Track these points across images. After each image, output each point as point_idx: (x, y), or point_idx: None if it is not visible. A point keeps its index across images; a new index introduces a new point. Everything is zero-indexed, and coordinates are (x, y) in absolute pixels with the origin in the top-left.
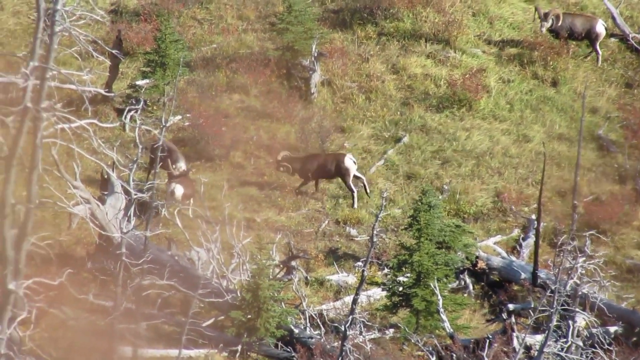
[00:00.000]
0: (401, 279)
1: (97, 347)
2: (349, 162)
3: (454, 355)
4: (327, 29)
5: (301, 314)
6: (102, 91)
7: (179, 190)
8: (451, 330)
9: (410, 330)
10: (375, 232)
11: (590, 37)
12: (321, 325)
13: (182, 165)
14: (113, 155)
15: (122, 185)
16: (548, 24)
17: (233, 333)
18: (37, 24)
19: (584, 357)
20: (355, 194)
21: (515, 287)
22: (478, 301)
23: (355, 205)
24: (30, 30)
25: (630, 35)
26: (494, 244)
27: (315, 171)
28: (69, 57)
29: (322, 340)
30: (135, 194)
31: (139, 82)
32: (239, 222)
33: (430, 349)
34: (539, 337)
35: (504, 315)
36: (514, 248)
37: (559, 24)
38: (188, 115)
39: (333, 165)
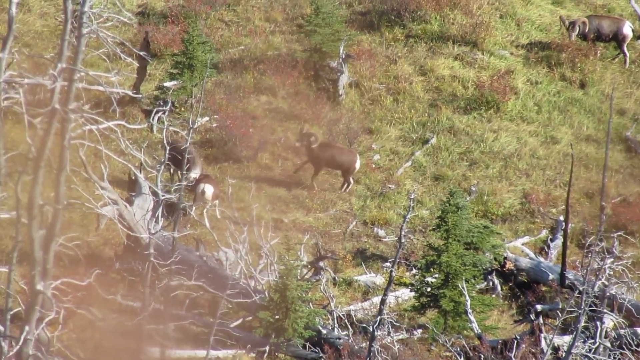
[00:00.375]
0: (429, 279)
1: (125, 347)
2: (359, 163)
3: (482, 356)
4: (354, 30)
5: (329, 315)
6: (130, 93)
7: (209, 189)
8: (479, 331)
9: (438, 331)
10: (403, 233)
11: (617, 39)
12: (349, 326)
13: (193, 175)
14: (140, 156)
15: (149, 186)
16: (575, 32)
17: (261, 334)
18: (65, 26)
19: (612, 358)
20: (351, 185)
21: (543, 288)
22: (506, 302)
23: (347, 189)
24: (57, 32)
25: None
26: (522, 245)
27: (328, 160)
28: (97, 58)
29: (350, 340)
30: (163, 195)
31: (167, 84)
32: (266, 222)
33: (458, 349)
34: (567, 338)
35: (532, 316)
36: (542, 249)
37: (586, 29)
38: (216, 116)
39: (347, 160)
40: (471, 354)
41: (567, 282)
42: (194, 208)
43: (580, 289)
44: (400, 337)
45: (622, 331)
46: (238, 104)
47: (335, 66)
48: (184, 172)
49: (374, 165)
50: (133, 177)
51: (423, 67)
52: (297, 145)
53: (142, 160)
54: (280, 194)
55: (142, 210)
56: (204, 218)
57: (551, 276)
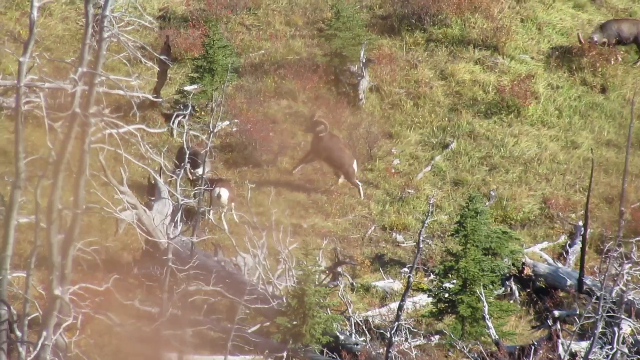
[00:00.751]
0: (447, 285)
1: (143, 353)
2: (356, 166)
3: None
4: (375, 35)
5: (347, 320)
6: (150, 97)
7: (224, 193)
8: (497, 336)
9: (455, 337)
10: (421, 238)
11: (637, 41)
12: (367, 332)
13: (199, 172)
14: (160, 160)
15: (169, 191)
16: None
17: (279, 339)
18: (86, 30)
19: None
20: (341, 181)
21: (561, 294)
22: (524, 308)
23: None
24: (78, 36)
25: None
26: (541, 250)
27: (331, 152)
28: (118, 62)
29: (367, 346)
30: (182, 200)
31: (187, 88)
32: (285, 227)
33: (476, 355)
34: (585, 344)
35: (550, 322)
36: (560, 254)
37: (604, 37)
38: (236, 120)
39: (347, 160)
40: None
41: (585, 287)
42: (211, 212)
43: (598, 294)
44: (417, 343)
45: (639, 337)
46: (258, 108)
47: (355, 70)
48: (191, 170)
49: (393, 170)
50: (152, 182)
51: (443, 72)
52: (306, 132)
53: (162, 165)
54: (300, 198)
55: (161, 214)
56: (222, 222)
57: (569, 282)
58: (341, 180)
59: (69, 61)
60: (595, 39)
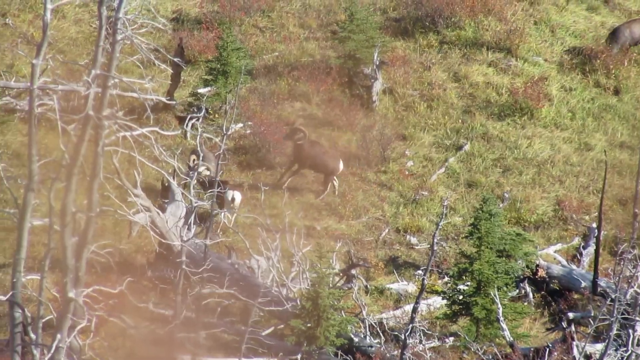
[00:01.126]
0: (461, 287)
1: (156, 355)
2: (342, 166)
3: None
4: (388, 37)
5: (361, 323)
6: (164, 99)
7: (237, 196)
8: (511, 338)
9: (470, 339)
10: (435, 240)
11: None
12: (381, 334)
13: (204, 171)
14: (174, 163)
15: (182, 193)
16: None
17: (293, 342)
18: (99, 32)
19: None
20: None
21: (576, 296)
22: (538, 310)
23: (323, 197)
24: (92, 39)
25: None
26: (555, 252)
27: (313, 159)
28: (131, 65)
29: (382, 349)
30: (196, 202)
31: (201, 90)
32: (299, 230)
33: (490, 357)
34: (599, 346)
35: (564, 324)
36: (574, 256)
37: (619, 45)
38: (249, 123)
39: (330, 163)
40: None
41: (599, 289)
42: (224, 215)
43: (613, 296)
44: (432, 345)
45: None
46: (272, 110)
47: (369, 73)
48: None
49: (407, 172)
50: (166, 184)
51: (457, 74)
52: (285, 140)
53: (176, 167)
54: (313, 201)
55: (174, 217)
56: (236, 225)
57: (583, 284)
58: (336, 183)
59: (83, 64)
60: (615, 50)
